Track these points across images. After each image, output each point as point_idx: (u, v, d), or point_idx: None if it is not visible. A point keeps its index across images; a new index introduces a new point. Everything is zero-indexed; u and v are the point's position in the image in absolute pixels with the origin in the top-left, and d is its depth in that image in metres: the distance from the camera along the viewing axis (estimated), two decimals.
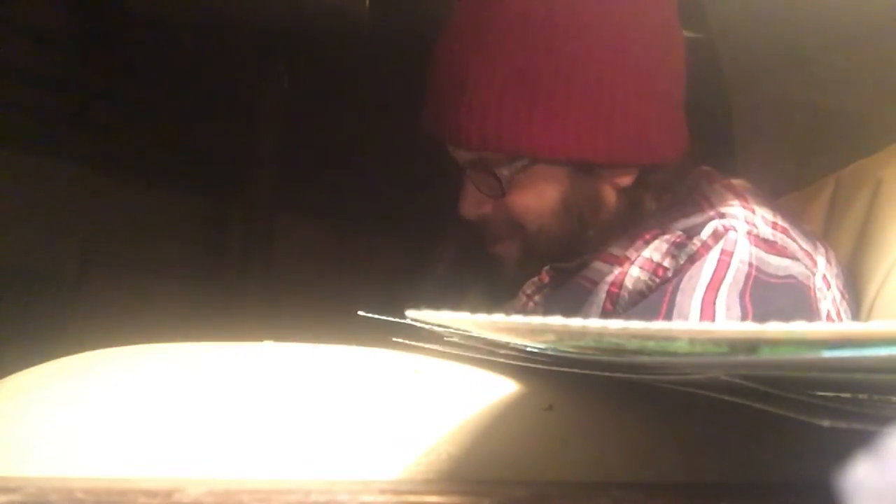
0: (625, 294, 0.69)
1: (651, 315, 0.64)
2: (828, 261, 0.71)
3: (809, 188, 0.92)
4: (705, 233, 0.67)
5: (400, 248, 1.64)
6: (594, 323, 0.26)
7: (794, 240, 0.69)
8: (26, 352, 0.44)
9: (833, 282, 0.70)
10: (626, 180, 0.75)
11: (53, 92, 1.38)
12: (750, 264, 0.65)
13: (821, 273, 0.69)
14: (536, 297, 0.78)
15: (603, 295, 0.70)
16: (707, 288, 0.63)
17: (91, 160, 1.50)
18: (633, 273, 0.69)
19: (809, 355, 0.23)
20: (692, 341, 0.26)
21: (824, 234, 0.82)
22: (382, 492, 0.28)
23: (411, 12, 1.25)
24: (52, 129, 1.43)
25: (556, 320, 0.27)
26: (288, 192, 1.48)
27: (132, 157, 1.53)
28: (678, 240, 0.68)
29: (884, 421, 0.24)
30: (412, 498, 0.28)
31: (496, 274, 0.82)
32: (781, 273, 0.66)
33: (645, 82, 0.72)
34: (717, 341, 0.26)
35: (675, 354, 0.27)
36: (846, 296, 0.72)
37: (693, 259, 0.66)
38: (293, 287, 1.53)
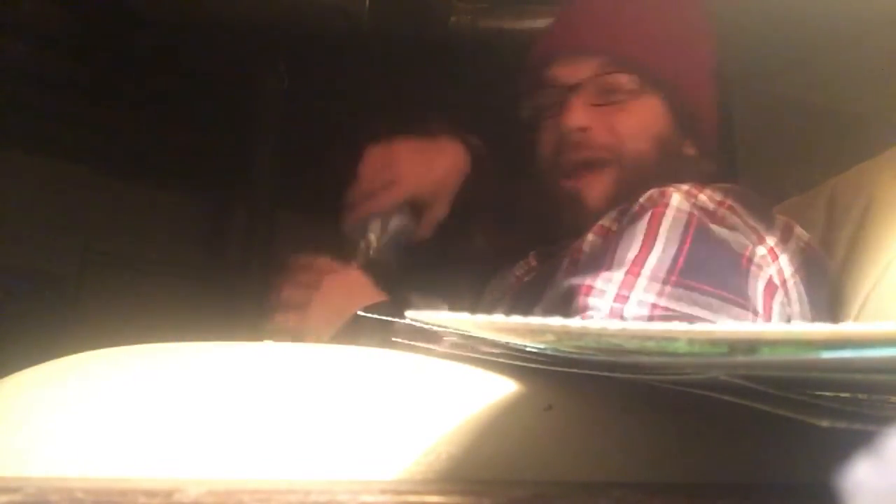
0: (584, 258, 0.74)
1: (598, 265, 0.67)
2: (781, 240, 0.73)
3: (808, 193, 0.92)
4: (643, 198, 0.72)
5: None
6: (594, 323, 0.26)
7: (738, 217, 0.72)
8: (26, 352, 0.44)
9: (782, 256, 0.72)
10: (690, 150, 0.83)
11: (53, 92, 1.38)
12: (689, 213, 0.69)
13: (767, 246, 0.71)
14: (525, 279, 0.84)
15: (567, 260, 0.75)
16: (646, 232, 0.67)
17: (91, 160, 1.50)
18: (589, 238, 0.74)
19: (808, 356, 0.23)
20: (691, 342, 0.26)
21: (823, 237, 0.82)
22: (382, 492, 0.28)
23: (411, 12, 1.25)
24: (52, 129, 1.43)
25: (556, 321, 0.27)
26: (288, 192, 1.48)
27: (132, 157, 1.53)
28: (624, 206, 0.74)
29: (883, 421, 0.24)
30: (412, 498, 0.28)
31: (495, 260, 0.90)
32: (718, 235, 0.69)
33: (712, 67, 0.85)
34: (716, 342, 0.26)
35: (674, 354, 0.27)
36: (801, 273, 0.73)
37: (633, 219, 0.70)
38: None
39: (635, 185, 0.76)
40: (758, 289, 0.69)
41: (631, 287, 0.64)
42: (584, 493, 0.32)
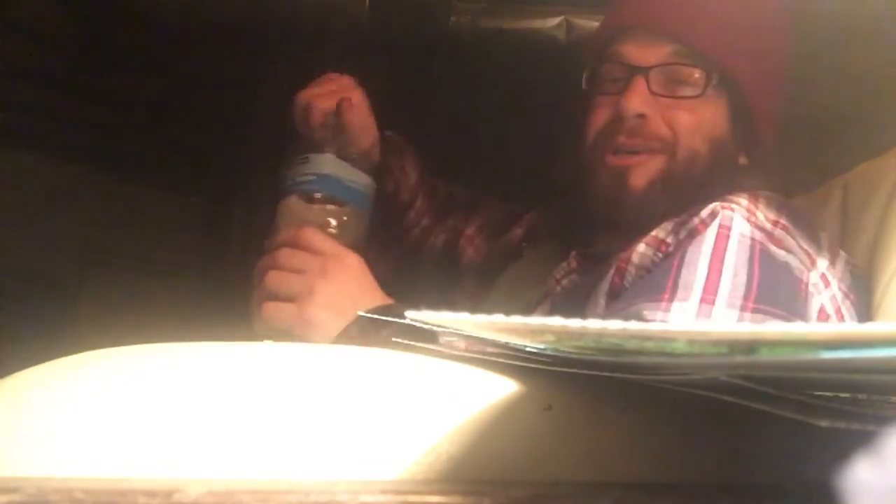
0: (631, 269, 0.72)
1: (658, 289, 0.65)
2: (832, 263, 0.72)
3: (816, 192, 0.91)
4: (704, 212, 0.70)
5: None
6: (594, 323, 0.26)
7: (793, 238, 0.71)
8: (26, 352, 0.44)
9: (834, 282, 0.71)
10: (744, 160, 0.80)
11: (53, 92, 1.38)
12: (752, 238, 0.67)
13: (819, 272, 0.70)
14: (564, 282, 0.80)
15: (612, 270, 0.73)
16: (711, 256, 0.65)
17: (91, 160, 1.50)
18: (640, 249, 0.72)
19: (808, 356, 0.23)
20: (691, 342, 0.26)
21: (841, 239, 0.82)
22: (383, 492, 0.28)
23: (411, 12, 1.25)
24: (52, 129, 1.43)
25: (556, 321, 0.27)
26: None
27: (132, 157, 1.53)
28: (681, 219, 0.71)
29: (883, 421, 0.24)
30: (412, 498, 0.28)
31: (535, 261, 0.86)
32: (780, 258, 0.68)
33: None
34: (716, 342, 0.26)
35: (674, 355, 0.27)
36: (851, 297, 0.72)
37: (692, 234, 0.69)
38: None
39: (684, 183, 0.75)
40: (812, 316, 0.68)
41: (708, 316, 0.62)
42: (584, 493, 0.32)
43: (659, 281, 0.66)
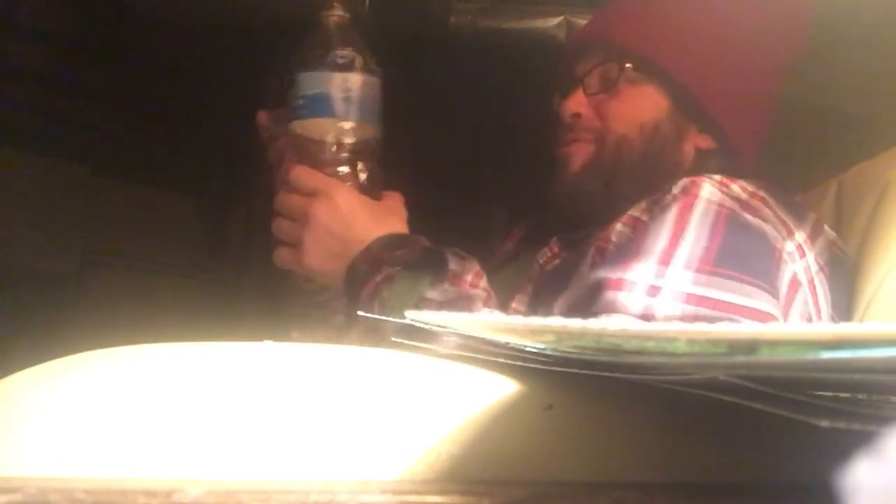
0: (611, 247, 0.74)
1: (628, 257, 0.67)
2: (810, 237, 0.73)
3: (813, 191, 0.92)
4: (676, 187, 0.72)
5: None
6: (594, 323, 0.26)
7: (770, 209, 0.72)
8: (26, 352, 0.44)
9: (810, 253, 0.72)
10: (705, 143, 0.83)
11: (53, 92, 1.38)
12: (720, 204, 0.69)
13: (796, 242, 0.71)
14: (548, 267, 0.84)
15: (592, 249, 0.75)
16: (675, 223, 0.68)
17: (91, 160, 1.50)
18: (618, 228, 0.75)
19: (808, 356, 0.23)
20: (691, 342, 0.26)
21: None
22: (382, 492, 0.28)
23: (411, 12, 1.25)
24: (52, 129, 1.43)
25: (556, 321, 0.27)
26: None
27: (132, 157, 1.53)
28: (656, 196, 0.74)
29: (883, 421, 0.24)
30: (412, 498, 0.28)
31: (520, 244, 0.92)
32: (753, 224, 0.70)
33: (761, 69, 0.85)
34: (716, 342, 0.26)
35: (674, 355, 0.27)
36: (826, 271, 0.73)
37: (663, 209, 0.71)
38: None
39: (615, 162, 0.82)
40: (783, 282, 0.69)
41: (662, 277, 0.64)
42: (584, 493, 0.32)
43: (625, 251, 0.69)
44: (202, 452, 0.32)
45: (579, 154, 0.84)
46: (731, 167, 0.80)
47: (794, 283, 0.70)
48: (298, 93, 0.75)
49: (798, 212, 0.75)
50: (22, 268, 1.40)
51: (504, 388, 0.37)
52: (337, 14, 0.77)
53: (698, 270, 0.64)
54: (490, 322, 0.29)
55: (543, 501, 0.30)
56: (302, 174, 0.73)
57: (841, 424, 0.25)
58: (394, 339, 0.47)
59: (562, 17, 1.21)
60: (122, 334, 0.48)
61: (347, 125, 0.74)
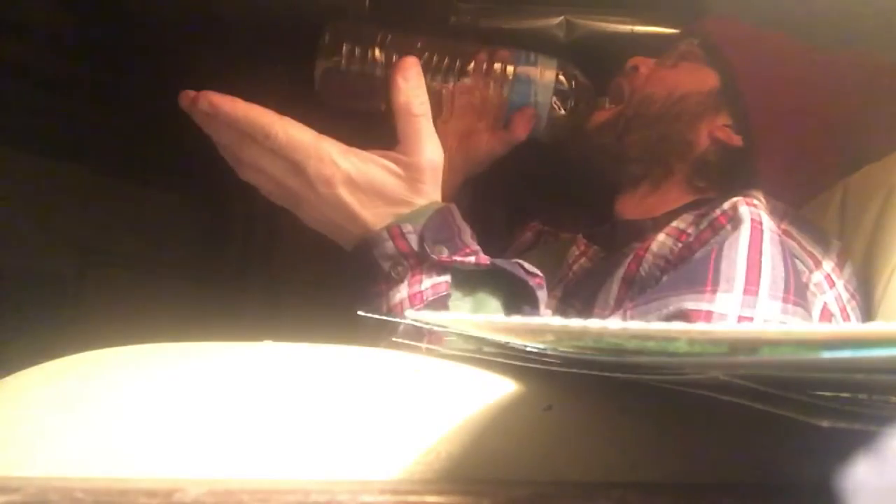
0: (649, 256, 0.74)
1: (697, 281, 0.66)
2: (838, 266, 0.74)
3: (820, 197, 0.92)
4: (726, 204, 0.72)
5: None
6: (594, 323, 0.26)
7: (795, 241, 0.73)
8: (26, 352, 0.44)
9: (839, 282, 0.72)
10: (724, 134, 0.83)
11: (53, 92, 1.37)
12: (777, 233, 0.70)
13: (824, 272, 0.72)
14: (574, 267, 0.84)
15: (630, 258, 0.75)
16: (749, 249, 0.67)
17: (91, 160, 1.50)
18: (660, 238, 0.75)
19: (809, 356, 0.23)
20: (692, 342, 0.26)
21: (839, 241, 0.82)
22: (382, 492, 0.28)
23: (411, 13, 1.25)
24: (52, 129, 1.43)
25: (555, 320, 0.27)
26: None
27: (132, 157, 1.53)
28: (701, 211, 0.75)
29: (884, 421, 0.24)
30: (412, 498, 0.28)
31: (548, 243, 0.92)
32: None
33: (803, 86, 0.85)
34: (716, 342, 0.26)
35: (674, 354, 0.27)
36: (857, 298, 0.73)
37: (713, 225, 0.71)
38: (293, 287, 1.53)
39: (633, 123, 0.83)
40: (815, 314, 0.69)
41: (752, 307, 0.63)
42: (584, 493, 0.32)
43: (696, 273, 0.67)
44: (202, 452, 0.32)
45: (602, 116, 0.85)
46: (735, 168, 0.81)
47: (826, 314, 0.70)
48: None
49: (823, 239, 0.75)
50: (22, 268, 1.40)
51: (504, 388, 0.37)
52: None
53: (784, 300, 0.64)
54: (490, 322, 0.29)
55: (543, 501, 0.30)
56: (286, 129, 0.62)
57: (841, 424, 0.25)
58: (394, 339, 0.47)
59: (562, 18, 1.21)
60: (122, 334, 0.48)
61: None
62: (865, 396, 0.31)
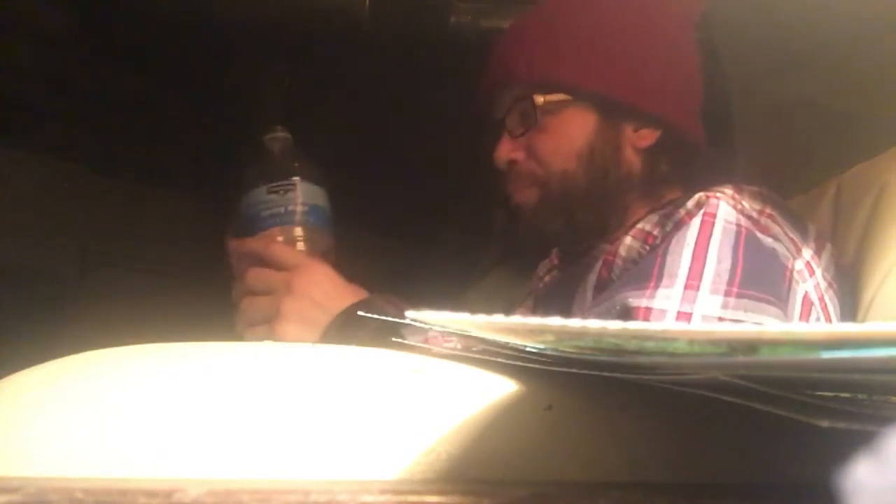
0: (618, 261, 0.75)
1: (643, 278, 0.67)
2: (817, 252, 0.73)
3: (812, 191, 0.92)
4: (690, 202, 0.72)
5: (401, 247, 1.64)
6: (594, 323, 0.26)
7: (779, 226, 0.72)
8: (26, 352, 0.44)
9: (818, 271, 0.72)
10: (647, 139, 0.82)
11: (53, 92, 1.38)
12: (738, 224, 0.69)
13: (804, 259, 0.71)
14: (546, 279, 0.81)
15: (600, 263, 0.76)
16: (696, 244, 0.67)
17: (91, 160, 1.50)
18: (627, 241, 0.75)
19: (808, 356, 0.23)
20: (691, 342, 0.26)
21: (832, 238, 0.82)
22: (382, 492, 0.28)
23: (411, 12, 1.25)
24: (52, 129, 1.43)
25: (555, 321, 0.27)
26: None
27: (132, 157, 1.53)
28: (667, 211, 0.74)
29: (883, 421, 0.24)
30: (412, 498, 0.28)
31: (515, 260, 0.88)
32: (767, 244, 0.69)
33: (673, 52, 0.83)
34: (716, 342, 0.26)
35: (674, 354, 0.27)
36: (834, 287, 0.73)
37: (678, 226, 0.71)
38: None
39: (568, 197, 0.80)
40: (796, 302, 0.69)
41: (692, 301, 0.64)
42: (584, 493, 0.32)
43: (645, 270, 0.68)
44: (202, 452, 0.32)
45: (528, 199, 0.83)
46: (687, 150, 0.80)
47: (807, 303, 0.69)
48: (249, 209, 0.81)
49: (801, 226, 0.74)
50: (22, 268, 1.40)
51: (504, 388, 0.37)
52: (281, 136, 0.84)
53: (726, 294, 0.64)
54: (490, 322, 0.29)
55: (543, 501, 0.30)
56: (280, 250, 0.74)
57: (841, 424, 0.25)
58: (394, 339, 0.47)
59: None
60: (122, 334, 0.48)
61: (298, 231, 0.79)
62: (865, 396, 0.31)
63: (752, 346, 0.25)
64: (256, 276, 0.73)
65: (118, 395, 0.35)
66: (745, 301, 0.64)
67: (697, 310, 0.63)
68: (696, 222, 0.69)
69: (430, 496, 0.29)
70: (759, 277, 0.66)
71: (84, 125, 1.44)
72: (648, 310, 0.64)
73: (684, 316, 0.63)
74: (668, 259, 0.67)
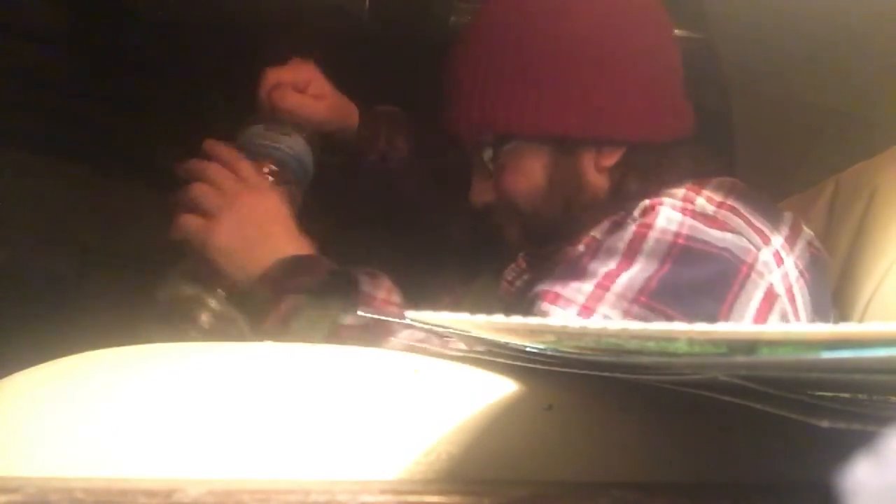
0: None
1: (571, 274, 0.68)
2: (789, 240, 0.71)
3: (810, 190, 0.92)
4: (637, 210, 0.71)
5: (400, 246, 1.64)
6: (593, 323, 0.26)
7: (741, 216, 0.70)
8: (26, 352, 0.44)
9: (789, 259, 0.70)
10: (610, 159, 0.79)
11: (53, 92, 1.38)
12: (676, 234, 0.68)
13: (773, 248, 0.69)
14: (517, 283, 0.83)
15: (559, 267, 0.74)
16: (624, 251, 0.67)
17: (91, 160, 1.50)
18: (580, 248, 0.74)
19: (808, 356, 0.23)
20: (691, 342, 0.26)
21: (825, 236, 0.82)
22: (382, 492, 0.28)
23: (411, 12, 1.25)
24: (52, 129, 1.43)
25: (556, 321, 0.27)
26: None
27: (132, 157, 1.53)
28: (618, 217, 0.73)
29: (883, 421, 0.24)
30: (412, 498, 0.28)
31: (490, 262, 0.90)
32: (718, 244, 0.67)
33: (618, 62, 0.77)
34: (716, 342, 0.26)
35: (674, 355, 0.27)
36: (806, 276, 0.71)
37: (614, 231, 0.71)
38: None
39: (542, 229, 0.81)
40: (752, 299, 0.67)
41: (598, 301, 0.65)
42: (584, 493, 0.32)
43: (569, 267, 0.70)
44: (202, 452, 0.32)
45: (510, 229, 0.83)
46: (657, 151, 0.77)
47: (770, 297, 0.67)
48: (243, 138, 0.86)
49: (773, 214, 0.72)
50: (22, 268, 1.40)
51: (504, 388, 0.37)
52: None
53: (632, 301, 0.64)
54: (490, 322, 0.29)
55: (543, 501, 0.30)
56: (246, 165, 0.76)
57: (841, 424, 0.25)
58: (393, 338, 0.47)
59: None
60: (122, 334, 0.48)
61: (277, 170, 0.82)
62: (865, 396, 0.32)
63: (751, 346, 0.25)
64: (217, 170, 0.75)
65: (118, 395, 0.35)
66: (644, 311, 0.64)
67: (600, 308, 0.64)
68: (630, 229, 0.69)
69: (430, 496, 0.29)
70: (678, 292, 0.65)
71: (84, 125, 1.44)
72: (557, 295, 0.65)
73: (586, 311, 0.64)
74: (594, 260, 0.68)
